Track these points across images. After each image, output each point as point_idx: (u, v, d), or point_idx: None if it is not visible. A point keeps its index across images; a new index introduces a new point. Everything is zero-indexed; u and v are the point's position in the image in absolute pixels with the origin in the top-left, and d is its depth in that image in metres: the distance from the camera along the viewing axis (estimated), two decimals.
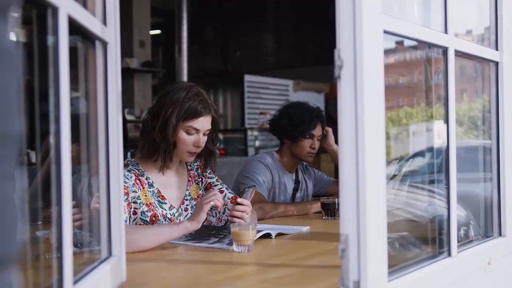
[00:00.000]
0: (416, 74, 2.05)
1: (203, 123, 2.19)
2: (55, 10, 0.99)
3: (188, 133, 2.17)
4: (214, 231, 2.11)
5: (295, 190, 3.11)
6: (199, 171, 2.40)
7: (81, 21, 1.13)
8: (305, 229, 2.33)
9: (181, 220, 2.15)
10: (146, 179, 2.20)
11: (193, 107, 2.15)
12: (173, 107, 2.14)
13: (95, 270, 1.25)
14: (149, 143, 2.18)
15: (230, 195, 2.34)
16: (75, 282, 1.08)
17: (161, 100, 2.19)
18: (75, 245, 1.24)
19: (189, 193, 2.33)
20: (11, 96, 0.56)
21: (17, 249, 0.58)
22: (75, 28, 1.10)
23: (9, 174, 0.56)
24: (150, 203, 2.16)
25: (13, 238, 0.57)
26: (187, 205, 2.31)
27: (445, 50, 1.50)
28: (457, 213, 1.55)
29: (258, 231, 2.02)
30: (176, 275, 1.61)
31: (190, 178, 2.36)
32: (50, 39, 1.01)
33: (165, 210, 2.20)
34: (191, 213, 2.27)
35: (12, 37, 0.57)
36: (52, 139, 1.01)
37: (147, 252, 1.88)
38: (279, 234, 2.16)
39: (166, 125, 2.14)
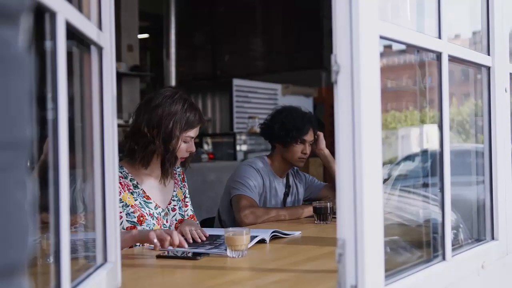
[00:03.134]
0: (405, 78, 2.06)
1: (197, 131, 2.31)
2: (53, 15, 0.98)
3: (185, 142, 2.27)
4: (209, 240, 2.11)
5: (286, 194, 3.11)
6: (180, 178, 2.48)
7: (78, 26, 1.12)
8: (297, 233, 2.33)
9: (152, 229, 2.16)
10: (131, 180, 2.25)
11: (191, 118, 2.26)
12: (173, 120, 2.21)
13: (91, 276, 1.24)
14: (149, 154, 2.22)
15: (190, 213, 2.44)
16: None
17: (156, 111, 2.21)
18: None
19: (176, 194, 2.40)
20: (23, 102, 0.55)
21: (29, 256, 0.57)
22: (71, 32, 1.10)
23: (20, 181, 0.56)
24: (135, 204, 2.21)
25: (25, 245, 0.56)
26: (174, 205, 2.38)
27: (439, 55, 1.51)
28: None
29: (252, 237, 2.01)
30: (171, 281, 1.61)
31: (176, 181, 2.43)
32: (47, 44, 1.00)
33: (151, 209, 2.25)
34: (179, 213, 2.37)
35: (23, 43, 0.57)
36: (49, 145, 1.00)
37: (142, 258, 1.87)
38: (274, 237, 2.16)
39: (170, 138, 2.21)
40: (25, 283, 0.57)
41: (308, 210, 2.80)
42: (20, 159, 0.56)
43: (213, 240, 2.10)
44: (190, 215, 2.43)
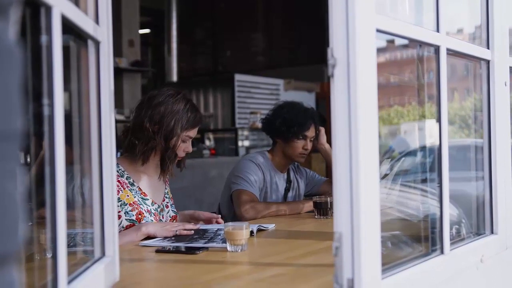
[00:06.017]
0: (407, 73, 2.06)
1: (196, 131, 2.35)
2: (48, 9, 0.98)
3: (183, 141, 2.30)
4: (197, 235, 2.11)
5: (287, 189, 3.11)
6: (168, 177, 2.50)
7: (74, 20, 1.12)
8: (271, 226, 2.35)
9: (151, 222, 2.24)
10: (127, 178, 2.28)
11: (192, 118, 2.29)
12: (175, 118, 2.24)
13: (89, 270, 1.24)
14: (149, 150, 2.25)
15: (172, 214, 2.44)
16: (69, 282, 1.08)
17: (158, 108, 2.24)
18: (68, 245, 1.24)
19: (167, 192, 2.45)
20: (13, 95, 0.56)
21: (19, 247, 0.58)
22: (67, 27, 1.10)
23: (11, 172, 0.56)
24: (133, 202, 2.24)
25: (15, 236, 0.57)
26: (167, 202, 2.42)
27: (437, 49, 1.51)
28: (449, 211, 1.56)
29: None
30: (169, 275, 1.61)
31: (166, 180, 2.47)
32: (43, 38, 1.00)
33: (149, 206, 2.28)
34: (172, 210, 2.42)
35: (13, 36, 0.57)
36: (45, 140, 1.01)
37: (140, 253, 1.88)
38: (259, 230, 2.21)
39: (171, 135, 2.24)
40: (15, 273, 0.57)
41: (309, 205, 2.80)
42: (10, 151, 0.56)
43: (202, 235, 2.10)
44: (172, 216, 2.44)
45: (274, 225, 2.38)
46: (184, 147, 2.31)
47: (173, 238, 2.06)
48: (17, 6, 0.58)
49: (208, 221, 2.41)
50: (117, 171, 2.24)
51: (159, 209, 2.34)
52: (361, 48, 1.15)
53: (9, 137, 0.56)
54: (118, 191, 2.19)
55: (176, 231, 2.09)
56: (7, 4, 0.55)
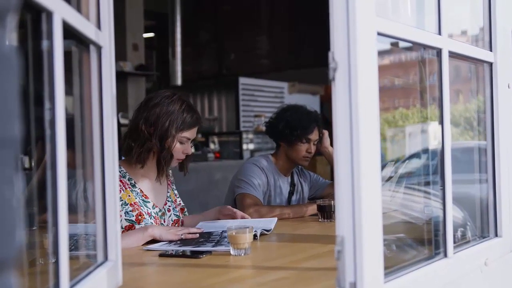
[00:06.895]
0: (412, 75, 2.05)
1: (194, 132, 2.34)
2: (49, 14, 0.99)
3: (181, 142, 2.29)
4: (202, 238, 2.11)
5: (291, 193, 3.11)
6: (172, 179, 2.52)
7: (76, 26, 1.13)
8: (273, 222, 2.36)
9: (154, 224, 2.25)
10: (129, 180, 2.28)
11: (189, 119, 2.28)
12: (170, 119, 2.24)
13: (91, 274, 1.24)
14: (145, 151, 2.25)
15: (174, 218, 2.44)
16: (71, 287, 1.08)
17: (153, 110, 2.25)
18: (70, 249, 1.24)
19: (169, 195, 2.44)
20: (11, 101, 0.56)
21: (16, 253, 0.58)
22: (69, 32, 1.10)
23: (8, 178, 0.57)
24: (134, 202, 2.24)
25: (13, 242, 0.57)
26: (169, 206, 2.42)
27: (439, 52, 1.51)
28: (454, 214, 1.56)
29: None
30: (172, 279, 1.61)
31: (169, 183, 2.48)
32: (44, 43, 1.01)
33: (149, 208, 2.29)
34: (173, 214, 2.42)
35: (11, 42, 0.58)
36: (47, 144, 1.01)
37: (143, 257, 1.88)
38: (262, 234, 2.20)
39: (166, 136, 2.24)
40: (12, 280, 0.57)
41: (312, 208, 2.80)
42: (8, 157, 0.57)
43: (207, 238, 2.10)
44: (181, 208, 2.48)
45: (276, 219, 2.40)
46: (182, 149, 2.30)
47: (179, 242, 2.05)
48: (15, 12, 0.59)
49: (232, 216, 2.43)
50: (120, 172, 2.25)
51: (160, 213, 2.34)
52: (362, 51, 1.15)
53: (7, 144, 0.56)
54: (120, 190, 2.19)
55: (181, 235, 2.09)
56: (4, 11, 0.55)
